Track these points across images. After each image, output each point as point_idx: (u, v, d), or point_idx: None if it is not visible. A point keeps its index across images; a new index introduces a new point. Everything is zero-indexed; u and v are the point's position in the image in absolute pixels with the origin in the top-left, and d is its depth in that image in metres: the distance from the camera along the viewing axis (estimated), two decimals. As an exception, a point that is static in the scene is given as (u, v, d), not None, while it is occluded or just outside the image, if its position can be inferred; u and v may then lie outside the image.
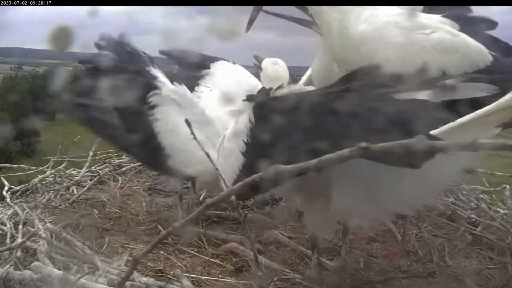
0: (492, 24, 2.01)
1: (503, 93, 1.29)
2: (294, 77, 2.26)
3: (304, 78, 2.63)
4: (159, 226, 2.34)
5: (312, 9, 2.01)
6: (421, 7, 1.99)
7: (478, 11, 2.06)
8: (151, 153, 2.12)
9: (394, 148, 0.73)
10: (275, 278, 1.75)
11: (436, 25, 1.91)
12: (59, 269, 1.71)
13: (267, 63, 2.08)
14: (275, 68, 2.04)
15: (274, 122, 1.43)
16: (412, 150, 0.72)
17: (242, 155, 1.55)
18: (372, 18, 1.92)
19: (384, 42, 1.87)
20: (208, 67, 2.55)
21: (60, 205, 2.57)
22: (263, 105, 1.53)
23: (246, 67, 2.63)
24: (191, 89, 2.33)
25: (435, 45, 1.85)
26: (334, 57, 2.11)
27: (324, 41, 2.12)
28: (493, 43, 1.93)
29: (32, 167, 3.05)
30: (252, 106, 1.56)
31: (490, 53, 1.87)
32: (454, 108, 1.33)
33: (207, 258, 2.01)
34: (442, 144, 0.71)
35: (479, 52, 1.87)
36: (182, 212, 2.30)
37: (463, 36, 1.89)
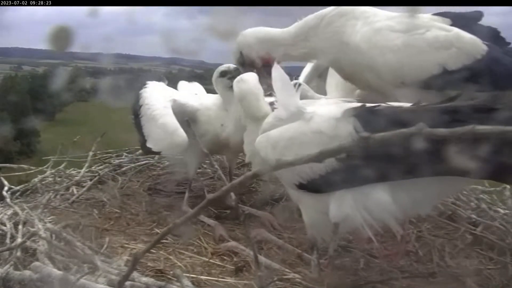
0: (478, 15, 2.03)
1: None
2: (293, 77, 2.25)
3: (303, 76, 2.64)
4: (159, 225, 2.34)
5: (312, 48, 2.06)
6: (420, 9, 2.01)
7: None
8: None
9: (394, 137, 0.74)
10: (275, 278, 1.75)
11: (429, 23, 1.93)
12: (59, 269, 1.71)
13: (234, 81, 2.06)
14: (239, 86, 2.03)
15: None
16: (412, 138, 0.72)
17: (337, 161, 1.54)
18: (365, 27, 1.95)
19: (381, 48, 1.90)
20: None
21: (60, 205, 2.56)
22: (370, 118, 1.56)
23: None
24: None
25: (431, 43, 1.88)
26: (344, 75, 2.16)
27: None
28: (482, 33, 1.94)
29: (32, 167, 3.04)
30: (354, 117, 1.56)
31: (484, 43, 1.89)
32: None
33: (207, 258, 2.01)
34: (442, 131, 0.71)
35: (473, 43, 1.89)
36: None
37: (456, 30, 1.91)
